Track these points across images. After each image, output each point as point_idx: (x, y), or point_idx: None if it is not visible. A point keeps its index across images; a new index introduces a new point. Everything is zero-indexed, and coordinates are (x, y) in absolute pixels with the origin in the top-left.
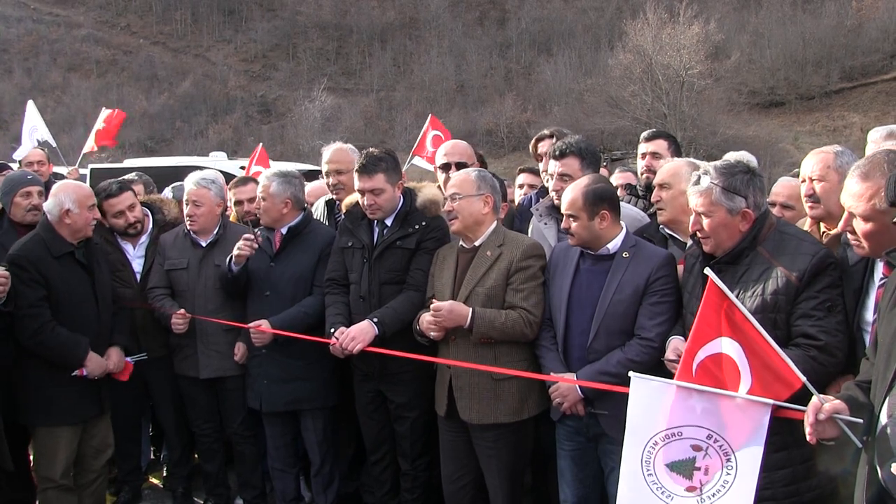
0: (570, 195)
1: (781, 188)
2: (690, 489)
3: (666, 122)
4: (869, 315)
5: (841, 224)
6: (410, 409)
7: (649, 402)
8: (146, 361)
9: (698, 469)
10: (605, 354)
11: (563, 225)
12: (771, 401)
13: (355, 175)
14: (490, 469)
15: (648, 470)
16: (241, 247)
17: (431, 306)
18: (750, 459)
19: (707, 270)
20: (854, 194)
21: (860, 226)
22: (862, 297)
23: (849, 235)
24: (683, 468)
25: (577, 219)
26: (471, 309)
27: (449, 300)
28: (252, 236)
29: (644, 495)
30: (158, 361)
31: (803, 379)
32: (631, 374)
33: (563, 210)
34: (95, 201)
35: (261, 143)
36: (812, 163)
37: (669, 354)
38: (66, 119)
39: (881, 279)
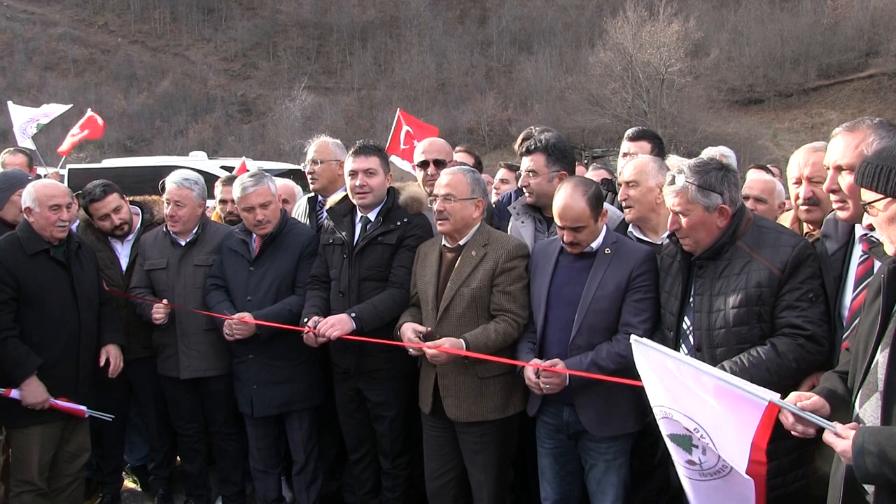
0: (576, 211)
1: (754, 182)
2: (690, 463)
3: (646, 119)
4: (848, 299)
5: (826, 184)
6: (388, 408)
7: (649, 370)
8: (129, 363)
9: (696, 447)
10: (586, 350)
11: (567, 238)
12: (768, 397)
13: (349, 159)
14: (476, 464)
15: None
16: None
17: (428, 354)
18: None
19: (633, 338)
20: (840, 148)
21: (846, 181)
22: (842, 282)
23: (832, 198)
24: (682, 442)
25: (586, 227)
26: (463, 341)
27: (445, 338)
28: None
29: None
30: (141, 363)
31: (770, 397)
32: (633, 337)
33: (568, 224)
34: (62, 202)
35: (244, 159)
36: (809, 161)
37: None
38: None
39: (861, 256)
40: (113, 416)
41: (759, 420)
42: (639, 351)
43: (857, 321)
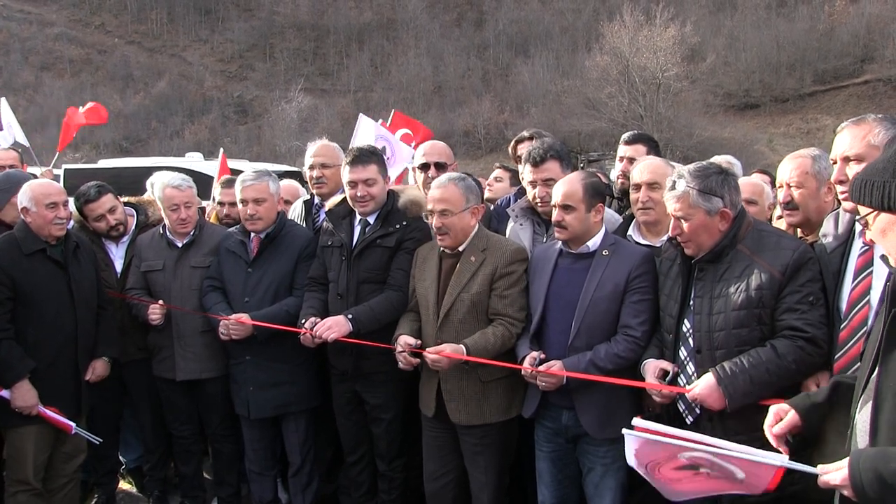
0: (568, 187)
1: (743, 186)
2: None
3: (642, 123)
4: (846, 291)
5: (834, 175)
6: (386, 411)
7: (646, 447)
8: (124, 364)
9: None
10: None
11: (554, 218)
12: (778, 462)
13: (346, 168)
14: (477, 465)
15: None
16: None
17: (429, 360)
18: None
19: (625, 432)
20: (847, 140)
21: (854, 171)
22: (841, 276)
23: (839, 188)
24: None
25: (574, 210)
26: (464, 347)
27: (446, 344)
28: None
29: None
30: (137, 364)
31: (780, 462)
32: (624, 431)
33: (556, 202)
34: (59, 200)
35: (222, 149)
36: (789, 168)
37: (650, 378)
38: (38, 119)
39: (861, 248)
40: (101, 440)
41: (772, 476)
42: (630, 440)
43: (854, 313)
